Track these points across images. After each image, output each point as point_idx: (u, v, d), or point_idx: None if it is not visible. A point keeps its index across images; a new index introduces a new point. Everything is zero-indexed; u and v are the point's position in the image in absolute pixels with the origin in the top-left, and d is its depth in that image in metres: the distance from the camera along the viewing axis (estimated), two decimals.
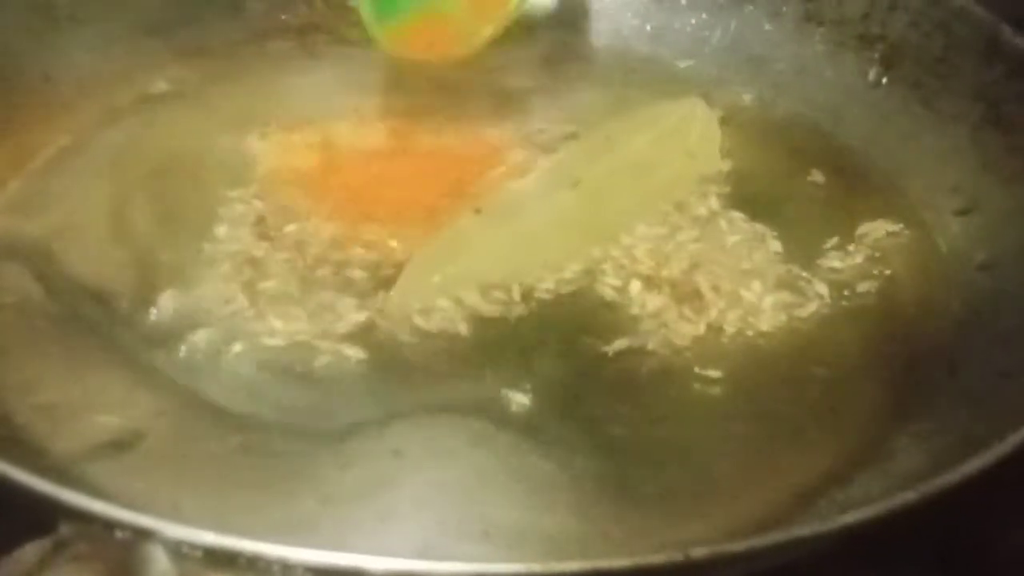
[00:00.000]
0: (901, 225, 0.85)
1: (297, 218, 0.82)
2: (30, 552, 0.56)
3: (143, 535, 0.56)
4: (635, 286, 0.78)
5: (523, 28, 1.00)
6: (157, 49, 0.93)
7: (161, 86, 0.92)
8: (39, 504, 0.58)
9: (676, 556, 0.56)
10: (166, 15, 0.94)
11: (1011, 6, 0.88)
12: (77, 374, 0.72)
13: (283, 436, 0.70)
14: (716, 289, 0.79)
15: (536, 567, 0.56)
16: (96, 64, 0.90)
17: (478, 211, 0.81)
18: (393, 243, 0.81)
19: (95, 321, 0.75)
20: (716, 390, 0.74)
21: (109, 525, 0.56)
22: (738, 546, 0.58)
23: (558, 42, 1.01)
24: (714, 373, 0.74)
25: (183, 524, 0.56)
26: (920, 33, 0.90)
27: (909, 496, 0.60)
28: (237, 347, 0.74)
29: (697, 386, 0.74)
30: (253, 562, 0.56)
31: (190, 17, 0.95)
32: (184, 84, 0.93)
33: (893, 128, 0.90)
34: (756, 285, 0.79)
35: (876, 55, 0.92)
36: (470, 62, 0.98)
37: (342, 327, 0.75)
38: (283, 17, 0.98)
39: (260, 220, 0.82)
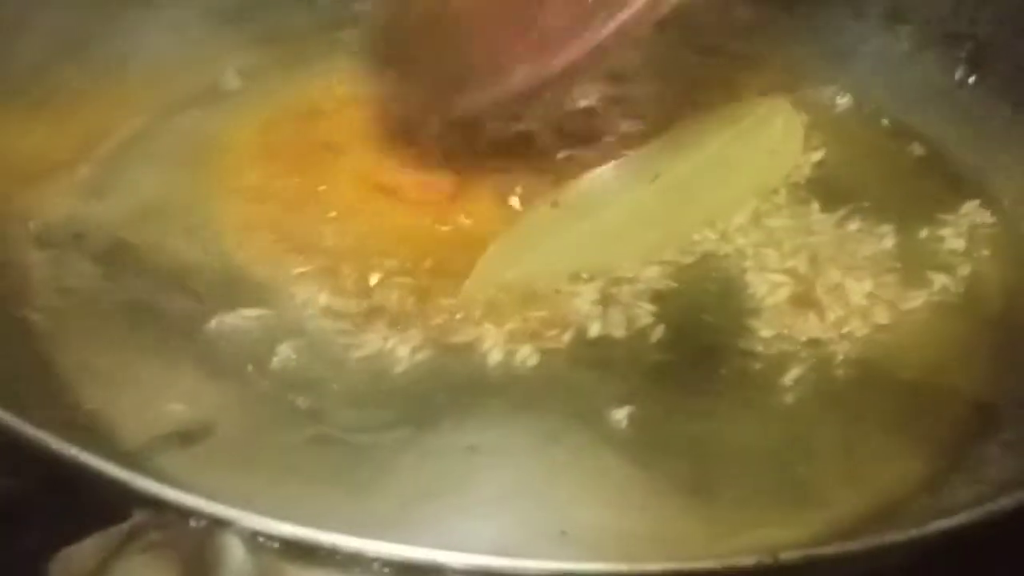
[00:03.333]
0: (994, 220, 0.83)
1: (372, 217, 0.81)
2: (104, 539, 0.54)
3: (219, 525, 0.55)
4: (739, 283, 0.78)
5: None
6: (230, 36, 0.92)
7: (232, 73, 0.91)
8: (113, 492, 0.56)
9: (766, 559, 0.55)
10: (239, 2, 0.93)
11: None
12: (146, 363, 0.71)
13: (356, 430, 0.68)
14: (822, 287, 0.77)
15: (621, 567, 0.55)
16: (168, 49, 0.89)
17: (555, 204, 0.80)
18: (462, 236, 0.80)
19: (165, 311, 0.74)
20: (807, 392, 0.72)
21: (185, 514, 0.55)
22: (829, 550, 0.57)
23: None
24: (807, 376, 0.73)
25: (261, 514, 0.55)
26: (1009, 32, 0.88)
27: (1005, 502, 0.58)
28: (311, 347, 0.73)
29: (788, 388, 0.72)
30: (331, 555, 0.54)
31: (264, 5, 0.94)
32: (256, 72, 0.92)
33: (981, 128, 0.88)
34: (854, 281, 0.78)
35: (963, 54, 0.90)
36: None
37: (419, 329, 0.74)
38: (356, 6, 0.96)
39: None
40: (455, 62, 0.78)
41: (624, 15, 0.74)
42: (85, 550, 0.54)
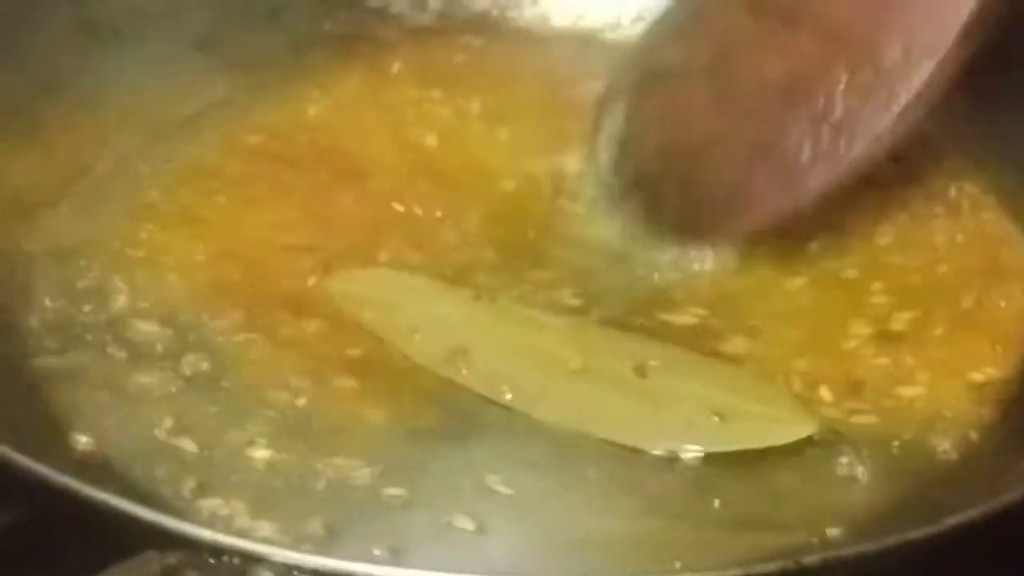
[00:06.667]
0: None
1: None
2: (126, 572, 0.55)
3: (252, 560, 0.56)
4: None
5: None
6: (202, 63, 0.92)
7: (206, 101, 0.91)
8: (143, 532, 0.57)
9: (789, 564, 0.56)
10: (208, 31, 0.93)
11: None
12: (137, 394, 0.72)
13: None
14: None
15: None
16: (142, 81, 0.89)
17: None
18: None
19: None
20: None
21: (218, 552, 0.56)
22: (850, 551, 0.58)
23: None
24: None
25: (292, 550, 0.56)
26: None
27: (1013, 496, 0.60)
28: None
29: None
30: None
31: (232, 31, 0.94)
32: (229, 98, 0.92)
33: None
34: None
35: None
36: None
37: None
38: (325, 26, 0.97)
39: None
40: (700, 190, 0.80)
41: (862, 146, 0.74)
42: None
